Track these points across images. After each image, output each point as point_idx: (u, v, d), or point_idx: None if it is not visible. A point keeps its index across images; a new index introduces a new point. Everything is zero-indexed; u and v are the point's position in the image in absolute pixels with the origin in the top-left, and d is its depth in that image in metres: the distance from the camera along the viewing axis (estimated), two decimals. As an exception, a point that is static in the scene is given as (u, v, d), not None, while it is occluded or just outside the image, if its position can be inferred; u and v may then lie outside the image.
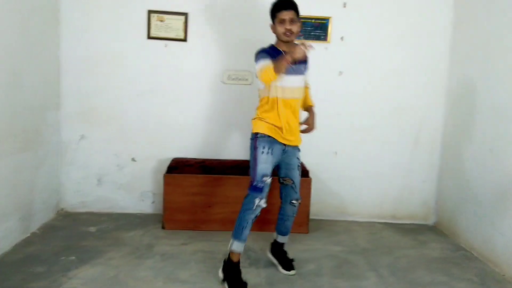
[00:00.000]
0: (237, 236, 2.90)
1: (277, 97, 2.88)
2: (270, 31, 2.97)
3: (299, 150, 3.09)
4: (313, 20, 4.13)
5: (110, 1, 4.04)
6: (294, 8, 2.87)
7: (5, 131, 3.22)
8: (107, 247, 3.44)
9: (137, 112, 4.16)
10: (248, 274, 2.99)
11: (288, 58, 2.60)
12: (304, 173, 3.88)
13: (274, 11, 2.88)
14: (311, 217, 4.04)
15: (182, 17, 4.07)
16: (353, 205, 4.38)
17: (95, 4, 4.03)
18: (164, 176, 3.86)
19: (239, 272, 2.90)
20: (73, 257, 3.22)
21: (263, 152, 2.88)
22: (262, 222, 3.68)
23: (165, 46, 4.11)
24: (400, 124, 4.31)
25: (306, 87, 3.16)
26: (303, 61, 2.95)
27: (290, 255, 3.27)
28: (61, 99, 4.07)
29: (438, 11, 4.21)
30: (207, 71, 4.18)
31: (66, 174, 4.16)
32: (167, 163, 4.03)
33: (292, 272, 3.14)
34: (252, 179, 2.90)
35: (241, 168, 3.87)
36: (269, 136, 2.89)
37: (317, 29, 4.15)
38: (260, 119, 2.94)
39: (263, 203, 2.88)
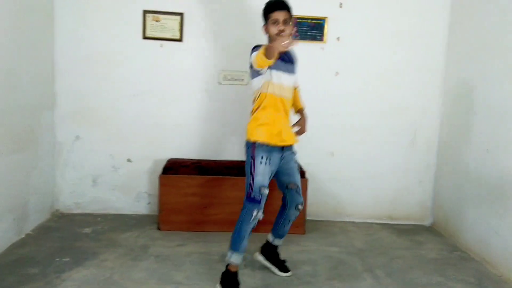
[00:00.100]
0: (235, 248, 2.82)
1: (272, 94, 2.81)
2: (263, 30, 2.92)
3: (295, 153, 3.04)
4: (309, 20, 4.12)
5: (105, 1, 4.03)
6: (288, 8, 2.83)
7: (-1, 132, 3.20)
8: (101, 248, 3.42)
9: (132, 113, 4.14)
10: (243, 275, 2.97)
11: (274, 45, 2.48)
12: (301, 173, 3.84)
13: (267, 12, 2.83)
14: (307, 218, 4.03)
15: (178, 17, 4.05)
16: (350, 206, 4.37)
17: (90, 3, 4.02)
18: (160, 177, 3.84)
19: (238, 283, 2.85)
20: (68, 259, 3.20)
21: (261, 163, 2.79)
22: (258, 224, 3.67)
23: (161, 46, 4.10)
24: (397, 124, 4.30)
25: (296, 89, 3.13)
26: (292, 61, 2.94)
27: (286, 256, 3.26)
28: (55, 99, 4.06)
29: (435, 12, 4.20)
30: (203, 71, 4.16)
31: (61, 175, 4.14)
32: (163, 163, 4.01)
33: (289, 273, 3.12)
34: (250, 190, 2.80)
35: (238, 168, 3.85)
36: (267, 145, 2.81)
37: (313, 29, 4.14)
38: (257, 124, 2.83)
39: (260, 215, 2.80)
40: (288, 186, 3.01)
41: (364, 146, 4.31)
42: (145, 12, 4.03)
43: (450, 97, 4.14)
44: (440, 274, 3.27)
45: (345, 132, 4.28)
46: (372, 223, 4.34)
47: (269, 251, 3.19)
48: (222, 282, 2.85)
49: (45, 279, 2.89)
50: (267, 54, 2.53)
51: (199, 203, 3.84)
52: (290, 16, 2.85)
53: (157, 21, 4.04)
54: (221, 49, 4.15)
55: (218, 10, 4.10)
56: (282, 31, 2.78)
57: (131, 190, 4.22)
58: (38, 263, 3.10)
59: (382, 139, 4.31)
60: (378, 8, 4.18)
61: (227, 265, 2.87)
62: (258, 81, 2.84)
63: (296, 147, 3.06)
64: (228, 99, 4.17)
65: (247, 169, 2.85)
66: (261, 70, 2.74)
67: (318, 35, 4.17)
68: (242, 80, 4.13)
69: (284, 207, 3.08)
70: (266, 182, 2.81)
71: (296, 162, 3.03)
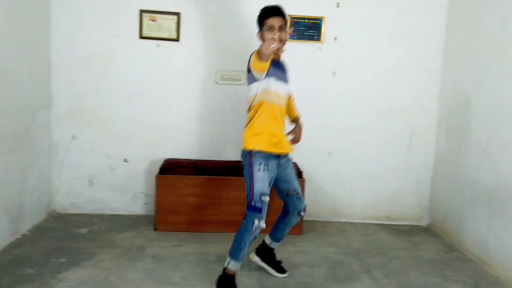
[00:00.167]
0: (234, 256, 2.77)
1: (269, 102, 2.77)
2: (258, 36, 2.87)
3: (291, 160, 3.02)
4: (306, 20, 4.11)
5: (101, 1, 4.01)
6: (283, 15, 2.80)
7: (-6, 132, 3.19)
8: (98, 249, 3.40)
9: (129, 112, 4.13)
10: (240, 276, 2.95)
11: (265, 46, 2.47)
12: (298, 174, 3.84)
13: (262, 18, 2.78)
14: (304, 218, 3.99)
15: (175, 17, 4.04)
16: (347, 206, 4.36)
17: (86, 3, 4.00)
18: (156, 177, 3.83)
19: (235, 286, 2.83)
20: (64, 259, 3.19)
21: (259, 170, 2.73)
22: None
23: (158, 46, 4.08)
24: (394, 124, 4.30)
25: (290, 98, 3.10)
26: (285, 70, 2.93)
27: (283, 257, 3.25)
28: (52, 99, 4.04)
29: (432, 12, 4.20)
30: (200, 71, 4.15)
31: (57, 175, 4.12)
32: (160, 163, 3.99)
33: (285, 274, 3.11)
34: (250, 199, 2.73)
35: (234, 169, 3.84)
36: (264, 152, 2.76)
37: (311, 29, 4.13)
38: (253, 134, 2.79)
39: (262, 224, 2.72)
40: (288, 193, 2.97)
41: (362, 146, 4.30)
42: (142, 11, 4.02)
43: (447, 97, 4.14)
44: (438, 275, 3.27)
45: (342, 132, 4.27)
46: (369, 223, 4.34)
47: (266, 253, 3.17)
48: (218, 285, 2.82)
49: (41, 279, 2.87)
50: (260, 56, 2.53)
51: (196, 204, 3.83)
52: (285, 22, 2.82)
53: (153, 20, 4.03)
54: (218, 49, 4.14)
55: (214, 10, 4.09)
56: (278, 37, 2.72)
57: (127, 190, 4.20)
58: (34, 264, 3.09)
59: (380, 139, 4.31)
60: (375, 8, 4.17)
61: (224, 269, 2.83)
62: (255, 88, 2.79)
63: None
64: (225, 99, 4.16)
65: (246, 178, 2.79)
66: (259, 76, 2.72)
67: (316, 35, 4.16)
68: (239, 80, 4.12)
69: (285, 213, 3.04)
70: (266, 189, 2.74)
71: (293, 168, 3.00)
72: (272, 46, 2.42)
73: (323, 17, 4.13)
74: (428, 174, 4.36)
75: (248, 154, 2.79)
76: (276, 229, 3.08)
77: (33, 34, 3.73)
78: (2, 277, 2.87)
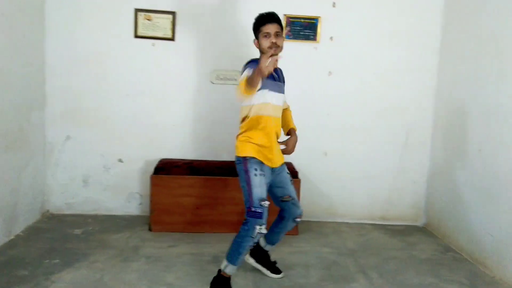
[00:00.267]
0: (232, 261, 2.74)
1: (263, 115, 2.74)
2: (254, 44, 2.84)
3: (285, 165, 2.97)
4: (302, 20, 4.10)
5: (96, 0, 3.98)
6: (278, 21, 2.77)
7: (-12, 131, 3.16)
8: (92, 249, 3.38)
9: (124, 112, 4.11)
10: (234, 277, 2.92)
11: (259, 69, 2.39)
12: (294, 174, 3.84)
13: (258, 25, 2.75)
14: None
15: (170, 16, 4.02)
16: (343, 206, 4.35)
17: (81, 2, 3.98)
18: (151, 177, 3.81)
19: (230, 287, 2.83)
20: (57, 260, 3.17)
21: (256, 175, 2.70)
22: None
23: (153, 45, 4.07)
24: (390, 125, 4.29)
25: (287, 109, 3.07)
26: (281, 80, 2.89)
27: (279, 257, 3.23)
28: (46, 99, 4.01)
29: (428, 12, 4.20)
30: (196, 70, 4.14)
31: (52, 175, 4.10)
32: (155, 164, 3.97)
33: (280, 275, 3.09)
34: (250, 204, 2.68)
35: (230, 169, 3.82)
36: (258, 158, 2.75)
37: (306, 28, 4.12)
38: (245, 140, 2.78)
39: (263, 230, 2.67)
40: (283, 199, 2.93)
41: (358, 146, 4.30)
42: (137, 10, 4.00)
43: (444, 98, 4.14)
44: (433, 275, 3.26)
45: (338, 132, 4.26)
46: (365, 223, 4.33)
47: (260, 254, 3.14)
48: (213, 286, 2.80)
49: (34, 280, 2.85)
50: (251, 83, 2.47)
51: (191, 204, 3.81)
52: (281, 29, 2.79)
53: (149, 20, 4.01)
54: (213, 48, 4.12)
55: (210, 9, 4.07)
56: (274, 44, 2.70)
57: (122, 190, 4.18)
58: (27, 265, 3.06)
59: (376, 140, 4.30)
60: (371, 8, 4.17)
61: (219, 270, 2.80)
62: (249, 99, 2.72)
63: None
64: (221, 99, 4.14)
65: (243, 184, 2.75)
66: (250, 97, 2.68)
67: (311, 35, 4.15)
68: (235, 79, 4.10)
69: (281, 218, 2.99)
70: (265, 194, 2.71)
71: (288, 173, 2.97)
72: (267, 64, 2.35)
73: (319, 16, 4.12)
74: (424, 174, 4.35)
75: (242, 161, 2.76)
76: (271, 233, 3.03)
77: (28, 33, 3.70)
78: (-5, 278, 2.85)
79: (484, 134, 3.47)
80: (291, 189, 2.94)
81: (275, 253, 3.26)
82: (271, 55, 2.46)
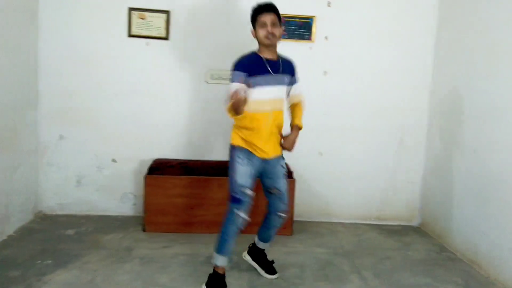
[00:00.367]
0: (219, 250, 2.80)
1: (253, 112, 2.74)
2: (251, 34, 2.86)
3: (283, 158, 2.98)
4: (297, 19, 4.09)
5: (89, -2, 3.97)
6: (275, 11, 2.78)
7: (-21, 131, 3.13)
8: (85, 250, 3.35)
9: (117, 112, 4.07)
10: (229, 277, 2.92)
11: (237, 100, 2.46)
12: (288, 174, 3.81)
13: (255, 15, 2.78)
14: (295, 218, 3.99)
15: (164, 15, 3.99)
16: (338, 207, 4.34)
17: (74, 2, 3.95)
18: (145, 177, 3.78)
19: (224, 285, 2.82)
20: (50, 261, 3.14)
21: (239, 163, 2.78)
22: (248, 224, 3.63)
23: (147, 44, 4.04)
24: (385, 124, 4.28)
25: (297, 103, 3.02)
26: (279, 71, 2.83)
27: (273, 257, 3.21)
28: (39, 98, 3.98)
29: (423, 12, 4.19)
30: (190, 70, 4.11)
31: (44, 175, 4.06)
32: (149, 164, 3.95)
33: (275, 276, 3.08)
34: (231, 190, 2.79)
35: (224, 169, 3.76)
36: (246, 148, 2.81)
37: (301, 28, 4.11)
38: (236, 131, 2.87)
39: (243, 215, 2.75)
40: (270, 191, 2.93)
41: (353, 146, 4.28)
42: (131, 9, 3.97)
43: (438, 97, 4.13)
44: (428, 275, 3.25)
45: (334, 132, 4.25)
46: (360, 223, 4.32)
47: (255, 252, 3.15)
48: (208, 284, 2.80)
49: (26, 281, 2.82)
50: (234, 111, 2.60)
51: (185, 204, 3.79)
52: (279, 19, 2.80)
53: (142, 18, 3.98)
54: (208, 47, 4.09)
55: (205, 8, 4.05)
56: (271, 33, 2.72)
57: (116, 190, 4.15)
58: (19, 266, 3.03)
59: (371, 140, 4.29)
60: (366, 7, 4.16)
61: (214, 268, 2.82)
62: None
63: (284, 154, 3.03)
64: (215, 98, 4.10)
65: (229, 171, 2.84)
66: None
67: (306, 34, 4.14)
68: (229, 79, 4.07)
69: (267, 212, 3.01)
70: (247, 182, 2.76)
71: (283, 167, 2.95)
72: (234, 102, 2.47)
73: (314, 16, 4.11)
74: (419, 174, 4.34)
75: (231, 149, 2.86)
76: (260, 229, 3.09)
77: (21, 32, 3.67)
78: (-14, 279, 2.81)
79: (479, 134, 3.46)
80: (280, 183, 2.92)
81: (270, 253, 3.23)
82: (236, 98, 2.47)
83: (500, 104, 3.23)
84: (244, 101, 2.50)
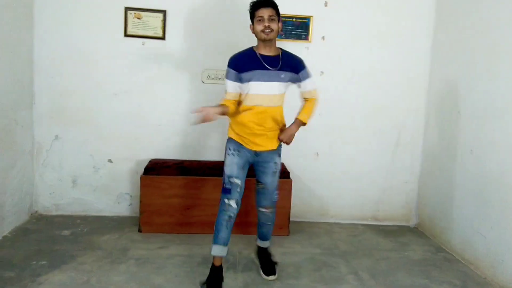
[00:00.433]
0: (214, 240, 2.85)
1: (248, 105, 2.84)
2: (250, 30, 2.90)
3: (279, 155, 2.98)
4: (294, 19, 4.08)
5: (85, -2, 3.95)
6: (273, 6, 2.80)
7: (-28, 131, 3.11)
8: (80, 251, 3.33)
9: (113, 112, 4.05)
10: (225, 278, 2.92)
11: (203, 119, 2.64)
12: (285, 174, 3.81)
13: (253, 10, 2.81)
14: (292, 219, 3.98)
15: (160, 15, 3.97)
16: (335, 207, 4.33)
17: (69, 0, 3.92)
18: (141, 177, 3.76)
19: (218, 277, 2.83)
20: (44, 262, 3.12)
21: (229, 154, 2.89)
22: (242, 225, 3.64)
23: (143, 44, 4.02)
24: (382, 124, 4.27)
25: (309, 100, 3.01)
26: (279, 67, 2.83)
27: (268, 256, 3.20)
28: (34, 98, 3.95)
29: (420, 12, 4.18)
30: (186, 70, 4.09)
31: (40, 176, 4.04)
32: (145, 164, 3.93)
33: (271, 277, 3.05)
34: (222, 181, 2.90)
35: (220, 169, 3.76)
36: (236, 140, 2.91)
37: (298, 28, 4.10)
38: (230, 125, 2.97)
39: (233, 204, 2.82)
40: (257, 184, 3.00)
41: (349, 146, 4.28)
42: (127, 9, 3.94)
43: (435, 97, 4.13)
44: (425, 276, 3.25)
45: (330, 132, 4.24)
46: (357, 224, 4.31)
47: (258, 251, 3.23)
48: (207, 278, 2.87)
49: (20, 282, 2.80)
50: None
51: (181, 204, 3.77)
52: (277, 13, 2.81)
53: (139, 18, 3.96)
54: (204, 47, 4.08)
55: (201, 8, 4.03)
56: (268, 27, 2.75)
57: (112, 191, 4.13)
58: (14, 266, 3.01)
59: (367, 140, 4.28)
60: (363, 8, 4.15)
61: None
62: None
63: (282, 150, 3.05)
64: (212, 98, 4.05)
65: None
66: None
67: (303, 34, 4.13)
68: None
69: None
70: (234, 172, 2.85)
71: (276, 163, 2.95)
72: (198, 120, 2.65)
73: (311, 16, 4.10)
74: (415, 175, 4.34)
75: (226, 142, 2.98)
76: (258, 227, 3.17)
77: (15, 31, 3.64)
78: (-19, 280, 2.80)
79: (476, 134, 3.46)
80: (268, 179, 2.95)
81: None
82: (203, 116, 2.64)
83: (497, 104, 3.22)
84: (210, 120, 2.66)
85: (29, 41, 3.87)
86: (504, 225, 3.09)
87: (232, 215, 2.84)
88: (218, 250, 2.84)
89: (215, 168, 3.84)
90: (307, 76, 2.97)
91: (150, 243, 3.54)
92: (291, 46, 4.01)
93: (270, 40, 2.81)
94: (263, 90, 2.81)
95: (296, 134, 2.98)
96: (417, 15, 4.18)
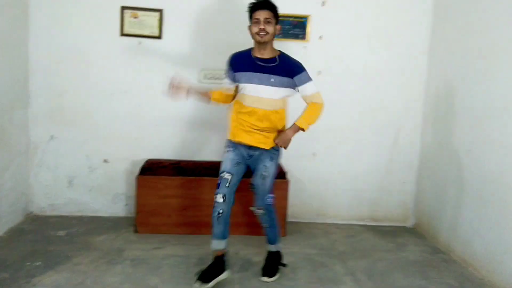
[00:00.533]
0: (212, 235, 2.92)
1: (241, 103, 2.94)
2: (248, 30, 2.91)
3: (271, 158, 2.95)
4: (291, 19, 4.06)
5: (81, -3, 3.92)
6: (271, 8, 2.81)
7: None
8: (75, 251, 3.31)
9: (109, 112, 4.03)
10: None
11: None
12: (282, 174, 3.80)
13: (250, 12, 2.85)
14: (289, 219, 3.96)
15: (157, 14, 3.95)
16: (332, 207, 4.32)
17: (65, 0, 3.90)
18: (137, 178, 3.74)
19: (213, 268, 2.87)
20: (39, 263, 3.09)
21: (225, 152, 2.99)
22: (240, 226, 3.67)
23: (139, 43, 4.00)
24: (379, 125, 4.26)
25: (309, 105, 3.00)
26: (268, 72, 2.85)
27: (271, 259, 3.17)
28: (29, 97, 3.93)
29: (417, 12, 4.17)
30: (183, 69, 4.06)
31: (35, 176, 4.01)
32: (141, 164, 3.91)
33: (264, 278, 3.03)
34: None
35: (217, 169, 3.74)
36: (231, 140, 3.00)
37: (296, 27, 4.08)
38: (230, 125, 3.03)
39: (219, 198, 2.87)
40: (251, 184, 3.01)
41: (347, 146, 4.26)
42: (123, 8, 3.92)
43: (432, 98, 4.12)
44: (422, 276, 3.23)
45: (328, 133, 4.22)
46: (354, 224, 4.29)
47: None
48: None
49: (15, 283, 2.78)
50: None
51: (177, 205, 3.75)
52: (275, 16, 2.82)
53: (135, 17, 3.94)
54: (201, 47, 4.06)
55: (198, 7, 4.02)
56: (262, 29, 2.78)
57: (108, 191, 4.10)
58: (8, 267, 2.99)
59: (365, 140, 4.27)
60: (361, 7, 4.13)
61: None
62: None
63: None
64: (209, 98, 4.08)
65: None
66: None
67: (301, 34, 4.11)
68: (223, 78, 4.04)
69: None
70: (226, 167, 2.92)
71: (265, 166, 2.92)
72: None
73: (309, 15, 4.08)
74: (412, 175, 4.33)
75: (226, 142, 3.06)
76: None
77: (11, 30, 3.62)
78: (-26, 281, 2.77)
79: (473, 134, 3.45)
80: (258, 181, 2.96)
81: (262, 253, 3.22)
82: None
83: (495, 104, 3.21)
84: (177, 87, 2.94)
85: (25, 41, 3.84)
86: (503, 225, 3.08)
87: (221, 211, 2.87)
88: (214, 244, 2.91)
89: (212, 169, 3.81)
90: (305, 80, 2.94)
91: (146, 244, 3.52)
92: (289, 46, 4.02)
93: (265, 43, 2.83)
94: (252, 92, 2.87)
95: (292, 138, 2.97)
96: (415, 14, 4.17)
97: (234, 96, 3.05)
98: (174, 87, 2.95)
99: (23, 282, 2.80)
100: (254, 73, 2.84)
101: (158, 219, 3.74)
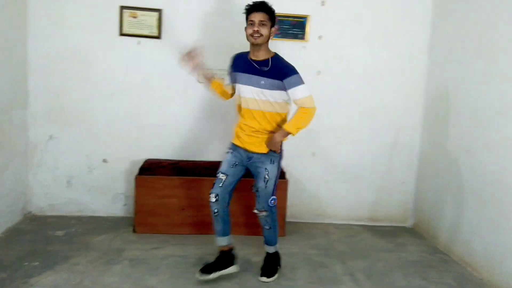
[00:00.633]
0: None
1: (239, 103, 3.04)
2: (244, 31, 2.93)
3: (271, 161, 2.95)
4: (290, 18, 4.05)
5: (80, -4, 3.91)
6: (266, 11, 2.83)
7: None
8: (74, 251, 3.30)
9: (108, 112, 4.02)
10: (221, 279, 2.92)
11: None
12: (281, 174, 3.77)
13: (246, 14, 2.88)
14: (288, 219, 3.95)
15: (156, 14, 3.94)
16: (331, 207, 4.31)
17: (64, -1, 3.90)
18: (136, 177, 3.73)
19: (216, 262, 2.96)
20: (37, 263, 3.09)
21: (226, 154, 3.07)
22: (239, 226, 3.65)
23: (138, 43, 3.99)
24: (379, 125, 4.25)
25: (298, 109, 2.95)
26: (256, 73, 2.87)
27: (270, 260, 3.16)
28: (28, 97, 3.92)
29: (417, 12, 4.16)
30: (182, 69, 4.04)
31: (34, 176, 4.00)
32: (140, 164, 3.90)
33: (262, 278, 3.02)
34: None
35: (216, 169, 3.74)
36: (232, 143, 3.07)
37: (295, 27, 4.07)
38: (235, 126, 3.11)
39: (212, 198, 2.94)
40: (252, 186, 3.03)
41: (346, 146, 4.25)
42: (122, 8, 3.91)
43: (432, 98, 4.11)
44: (421, 277, 3.23)
45: (327, 133, 4.21)
46: (353, 224, 4.29)
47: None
48: None
49: (12, 284, 2.77)
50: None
51: (176, 205, 3.74)
52: (270, 18, 2.84)
53: (134, 17, 3.93)
54: (200, 46, 4.04)
55: (197, 7, 4.01)
56: (256, 31, 2.80)
57: (107, 191, 4.09)
58: (6, 268, 2.98)
59: (364, 140, 4.26)
60: (360, 7, 4.12)
61: None
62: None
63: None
64: (208, 98, 4.06)
65: None
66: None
67: (300, 34, 4.10)
68: (223, 79, 4.02)
69: None
70: (223, 168, 2.99)
71: (266, 169, 2.92)
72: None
73: (308, 15, 4.07)
74: (412, 175, 4.32)
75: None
76: None
77: (9, 30, 3.61)
78: (-28, 281, 2.76)
79: (472, 134, 3.44)
80: (258, 184, 2.96)
81: (261, 253, 3.21)
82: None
83: (494, 105, 3.21)
84: (192, 57, 3.06)
85: (24, 40, 3.84)
86: (503, 225, 3.07)
87: (216, 210, 2.95)
88: (217, 241, 3.02)
89: (211, 169, 3.79)
90: (295, 83, 2.89)
91: (144, 244, 3.52)
92: (288, 46, 4.02)
93: (259, 45, 2.85)
94: (244, 93, 2.95)
95: (282, 141, 2.98)
96: (415, 14, 4.16)
97: (232, 95, 3.16)
98: (190, 56, 3.05)
99: (21, 282, 2.80)
100: (247, 75, 2.90)
101: (157, 219, 3.73)
